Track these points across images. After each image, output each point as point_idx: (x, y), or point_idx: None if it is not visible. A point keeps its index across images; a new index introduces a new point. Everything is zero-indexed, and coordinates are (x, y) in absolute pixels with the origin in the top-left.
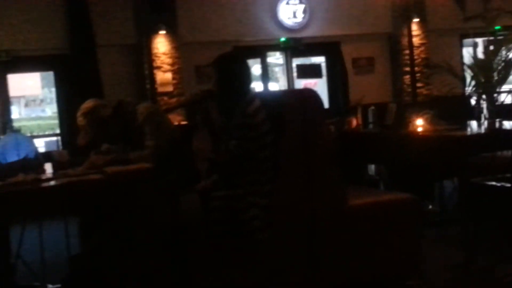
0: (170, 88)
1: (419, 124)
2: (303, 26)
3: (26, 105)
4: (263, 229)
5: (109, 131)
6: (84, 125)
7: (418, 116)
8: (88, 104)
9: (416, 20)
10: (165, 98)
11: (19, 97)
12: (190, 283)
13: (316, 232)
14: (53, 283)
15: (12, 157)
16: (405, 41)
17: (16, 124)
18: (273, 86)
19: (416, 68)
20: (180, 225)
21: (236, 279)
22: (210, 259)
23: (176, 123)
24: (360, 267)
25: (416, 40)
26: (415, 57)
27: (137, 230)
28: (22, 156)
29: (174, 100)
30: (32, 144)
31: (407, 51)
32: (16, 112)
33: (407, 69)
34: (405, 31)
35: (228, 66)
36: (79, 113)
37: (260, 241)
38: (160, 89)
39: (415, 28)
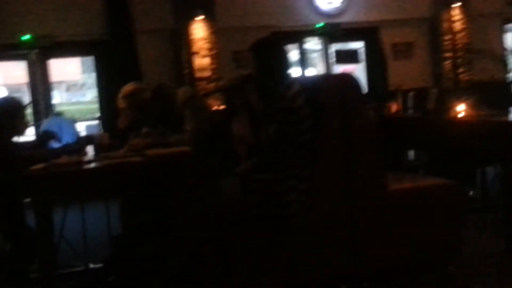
0: (208, 73)
1: (461, 109)
2: (340, 11)
3: (67, 90)
4: (302, 213)
5: (148, 114)
6: (124, 108)
7: (459, 101)
8: (128, 87)
9: (457, 4)
10: (203, 83)
11: (60, 82)
12: (229, 265)
13: (356, 216)
14: (94, 263)
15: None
16: (445, 26)
17: (57, 109)
18: (311, 72)
19: (457, 54)
20: (219, 208)
21: (276, 262)
22: (249, 242)
23: (214, 107)
24: (401, 252)
25: (457, 25)
26: (456, 42)
27: (176, 213)
28: (64, 138)
29: (212, 85)
30: (74, 128)
31: (447, 36)
32: (57, 97)
33: (448, 54)
34: (446, 16)
35: (266, 51)
36: (119, 96)
37: (299, 225)
38: (198, 74)
39: (456, 12)
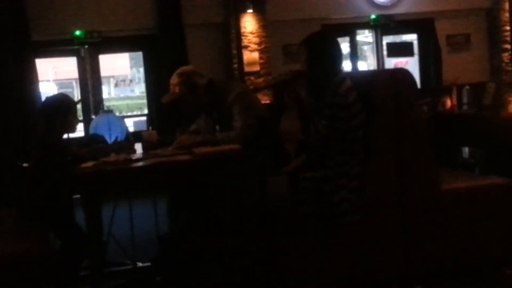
0: (257, 68)
1: None
2: (394, 2)
3: (116, 85)
4: (352, 212)
5: (196, 101)
6: (175, 84)
7: None
8: (187, 67)
9: None
10: (252, 78)
11: (108, 77)
12: (277, 264)
13: (407, 216)
14: (142, 261)
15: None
16: (505, 16)
17: (106, 104)
18: (362, 65)
19: None
20: (268, 206)
21: (324, 263)
22: (298, 241)
23: (263, 103)
24: (453, 254)
25: None
26: None
27: (225, 211)
28: (113, 135)
29: (261, 80)
30: (123, 124)
31: (506, 27)
32: (106, 92)
33: (507, 46)
34: (505, 6)
35: (319, 45)
36: (175, 72)
37: (349, 224)
38: (247, 69)
39: None
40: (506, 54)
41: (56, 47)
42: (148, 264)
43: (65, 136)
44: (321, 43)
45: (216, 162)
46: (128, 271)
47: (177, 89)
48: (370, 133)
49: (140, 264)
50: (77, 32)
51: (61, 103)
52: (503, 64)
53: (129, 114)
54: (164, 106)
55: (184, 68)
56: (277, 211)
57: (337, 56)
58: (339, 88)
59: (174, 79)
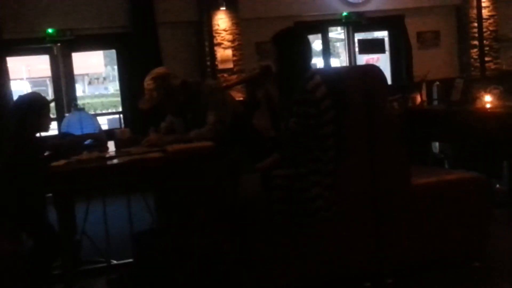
0: (230, 65)
1: (488, 100)
2: (365, 0)
3: (90, 83)
4: (326, 209)
5: (174, 103)
6: (151, 89)
7: (486, 92)
8: (160, 69)
9: None
10: (225, 75)
11: (82, 75)
12: (251, 262)
13: (380, 211)
14: (117, 259)
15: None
16: (473, 13)
17: (79, 102)
18: (334, 62)
19: (484, 42)
20: (241, 204)
21: (298, 259)
22: (271, 238)
23: (237, 99)
24: (425, 248)
25: (484, 12)
26: (483, 30)
27: (197, 209)
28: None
29: (234, 77)
30: (96, 122)
31: (475, 24)
32: (79, 90)
33: (475, 42)
34: (474, 3)
35: (288, 42)
36: (148, 77)
37: (323, 220)
38: (221, 66)
39: None
40: (475, 50)
41: (28, 45)
42: (122, 261)
43: (37, 135)
44: (290, 40)
45: (189, 159)
46: (102, 269)
47: (154, 94)
48: (342, 129)
49: (114, 262)
50: (50, 30)
51: (34, 102)
52: (472, 60)
53: (103, 112)
54: (144, 112)
55: (157, 71)
56: (251, 209)
57: (307, 52)
58: (308, 84)
59: (149, 84)
